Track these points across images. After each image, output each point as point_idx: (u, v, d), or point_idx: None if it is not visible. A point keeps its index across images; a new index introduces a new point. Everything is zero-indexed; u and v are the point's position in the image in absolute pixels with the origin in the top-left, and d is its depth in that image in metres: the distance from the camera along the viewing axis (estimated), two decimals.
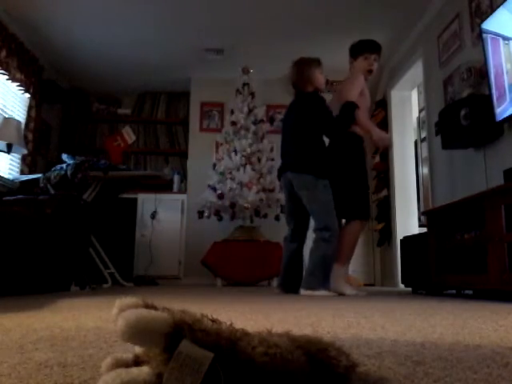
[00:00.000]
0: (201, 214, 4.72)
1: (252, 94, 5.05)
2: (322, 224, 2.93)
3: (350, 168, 3.12)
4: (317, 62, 3.33)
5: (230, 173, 4.70)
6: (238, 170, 4.67)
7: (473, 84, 3.20)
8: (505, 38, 2.66)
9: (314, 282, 2.85)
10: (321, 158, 3.04)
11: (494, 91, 2.76)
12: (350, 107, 3.10)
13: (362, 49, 3.41)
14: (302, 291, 2.86)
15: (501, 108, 2.69)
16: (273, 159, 4.90)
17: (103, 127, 5.86)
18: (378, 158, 5.38)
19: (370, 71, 3.43)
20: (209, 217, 4.75)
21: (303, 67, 3.32)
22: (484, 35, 2.87)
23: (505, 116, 2.67)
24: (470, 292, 3.00)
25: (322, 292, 2.79)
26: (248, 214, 4.77)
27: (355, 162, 3.13)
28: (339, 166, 3.10)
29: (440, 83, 3.96)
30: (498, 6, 2.73)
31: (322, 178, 2.97)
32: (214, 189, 4.61)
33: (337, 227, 2.97)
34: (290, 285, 3.05)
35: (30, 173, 4.44)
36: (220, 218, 4.79)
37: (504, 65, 2.65)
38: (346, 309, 1.65)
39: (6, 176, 4.13)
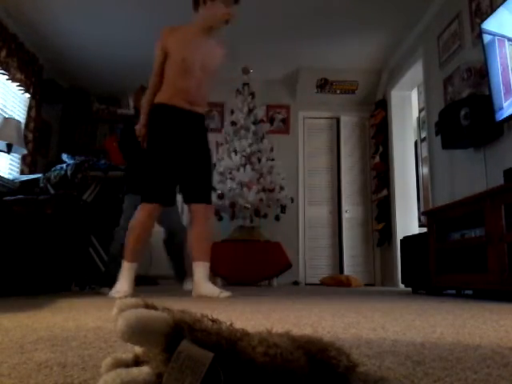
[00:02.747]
0: None
1: (252, 94, 5.06)
2: None
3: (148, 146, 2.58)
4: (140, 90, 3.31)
5: (230, 173, 4.70)
6: (238, 170, 4.68)
7: (473, 84, 3.20)
8: (505, 38, 2.65)
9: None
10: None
11: (501, 88, 2.74)
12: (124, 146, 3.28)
13: None
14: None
15: (507, 103, 2.66)
16: (273, 159, 4.91)
17: (103, 127, 5.86)
18: (377, 158, 5.39)
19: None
20: None
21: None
22: (485, 35, 2.86)
23: (505, 116, 2.67)
24: (470, 292, 3.00)
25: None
26: (248, 214, 4.78)
27: (150, 137, 2.57)
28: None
29: (440, 83, 3.96)
30: (498, 6, 2.73)
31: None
32: (214, 189, 4.61)
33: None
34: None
35: (30, 173, 4.44)
36: (220, 218, 4.78)
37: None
38: (346, 309, 1.65)
39: (6, 176, 4.13)
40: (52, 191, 3.55)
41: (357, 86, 5.62)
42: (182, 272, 3.36)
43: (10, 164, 4.39)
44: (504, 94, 2.68)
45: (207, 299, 2.26)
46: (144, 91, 2.92)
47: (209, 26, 2.61)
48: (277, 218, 4.83)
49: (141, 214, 2.46)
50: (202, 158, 2.59)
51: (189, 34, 2.59)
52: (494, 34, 2.77)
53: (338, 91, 5.64)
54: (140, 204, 2.49)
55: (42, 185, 3.66)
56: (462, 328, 1.06)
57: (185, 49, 2.54)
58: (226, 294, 2.33)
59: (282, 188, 4.84)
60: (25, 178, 4.12)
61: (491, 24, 2.80)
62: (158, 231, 5.06)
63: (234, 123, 4.92)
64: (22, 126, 4.32)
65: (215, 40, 2.72)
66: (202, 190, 2.57)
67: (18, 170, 4.47)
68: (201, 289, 2.38)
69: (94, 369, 0.58)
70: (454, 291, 3.10)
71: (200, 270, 2.43)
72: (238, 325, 0.48)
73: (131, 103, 3.45)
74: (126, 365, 0.46)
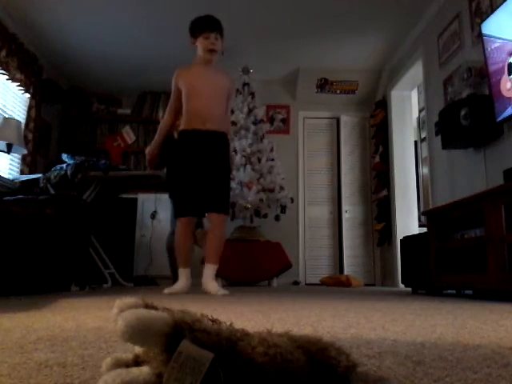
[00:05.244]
0: None
1: (252, 94, 5.06)
2: None
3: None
4: None
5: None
6: (238, 169, 4.67)
7: (473, 84, 3.20)
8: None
9: None
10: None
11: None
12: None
13: (202, 27, 3.05)
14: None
15: None
16: (273, 159, 4.91)
17: (103, 127, 5.86)
18: (377, 158, 5.39)
19: (211, 50, 3.01)
20: None
21: None
22: (485, 38, 2.86)
23: (505, 116, 2.67)
24: (470, 292, 3.00)
25: None
26: (248, 214, 4.77)
27: (173, 161, 3.08)
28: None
29: (440, 83, 3.96)
30: (498, 6, 2.73)
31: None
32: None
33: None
34: None
35: (30, 173, 4.44)
36: None
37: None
38: (346, 309, 1.65)
39: (6, 176, 4.12)
40: (52, 191, 3.54)
41: (357, 86, 5.62)
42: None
43: (10, 164, 4.39)
44: None
45: (208, 297, 2.27)
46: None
47: (202, 59, 3.02)
48: (277, 218, 4.83)
49: (178, 228, 2.92)
50: (220, 173, 2.91)
51: (194, 69, 3.04)
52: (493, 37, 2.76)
53: (338, 91, 5.65)
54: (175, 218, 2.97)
55: (42, 185, 3.66)
56: (461, 328, 1.06)
57: (193, 79, 2.98)
58: (223, 291, 2.73)
59: (281, 188, 4.83)
60: (25, 177, 4.11)
61: (490, 26, 2.79)
62: (160, 231, 5.08)
63: (233, 123, 4.92)
64: (22, 126, 4.31)
65: (218, 69, 3.13)
66: (221, 201, 2.91)
67: (18, 170, 4.47)
68: (206, 286, 2.81)
69: (93, 369, 0.58)
70: (454, 291, 3.10)
71: (207, 271, 2.86)
72: (238, 325, 0.48)
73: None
74: (126, 365, 0.46)
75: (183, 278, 2.89)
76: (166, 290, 2.80)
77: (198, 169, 2.86)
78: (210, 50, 2.99)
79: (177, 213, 2.92)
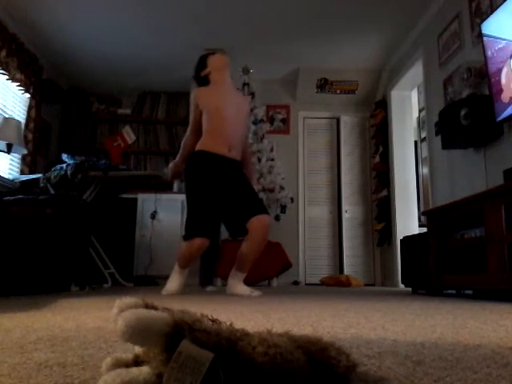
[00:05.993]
0: None
1: (252, 94, 5.05)
2: None
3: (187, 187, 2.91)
4: None
5: None
6: None
7: (473, 84, 3.20)
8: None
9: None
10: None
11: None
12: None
13: (206, 55, 3.13)
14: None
15: None
16: (273, 159, 4.91)
17: (103, 127, 5.86)
18: (377, 158, 5.39)
19: (224, 63, 3.06)
20: None
21: None
22: (485, 38, 2.86)
23: (505, 116, 2.67)
24: (470, 292, 3.00)
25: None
26: None
27: (189, 179, 2.89)
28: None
29: (440, 83, 3.96)
30: (498, 6, 2.73)
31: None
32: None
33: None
34: None
35: (30, 173, 4.44)
36: None
37: None
38: (346, 309, 1.65)
39: (6, 176, 4.13)
40: (52, 191, 3.54)
41: (357, 86, 5.62)
42: (206, 278, 3.84)
43: (10, 164, 4.39)
44: None
45: (208, 298, 2.27)
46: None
47: (217, 78, 3.00)
48: (277, 218, 4.83)
49: (192, 247, 2.76)
50: (246, 187, 2.85)
51: (213, 89, 2.99)
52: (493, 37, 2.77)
53: (338, 91, 5.64)
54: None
55: (42, 185, 3.66)
56: (462, 328, 1.06)
57: (216, 99, 2.92)
58: (257, 293, 2.65)
59: (282, 188, 4.83)
60: (25, 178, 4.12)
61: (490, 26, 2.79)
62: (160, 231, 5.08)
63: None
64: (22, 126, 4.31)
65: (234, 89, 3.12)
66: (259, 203, 2.83)
67: (18, 169, 4.47)
68: (234, 288, 2.76)
69: (93, 369, 0.58)
70: (454, 291, 3.10)
71: (235, 277, 2.81)
72: (238, 325, 0.49)
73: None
74: (126, 365, 0.46)
75: (181, 277, 2.88)
76: (164, 292, 2.84)
77: (220, 192, 2.80)
78: (224, 63, 3.03)
79: (188, 233, 2.79)
